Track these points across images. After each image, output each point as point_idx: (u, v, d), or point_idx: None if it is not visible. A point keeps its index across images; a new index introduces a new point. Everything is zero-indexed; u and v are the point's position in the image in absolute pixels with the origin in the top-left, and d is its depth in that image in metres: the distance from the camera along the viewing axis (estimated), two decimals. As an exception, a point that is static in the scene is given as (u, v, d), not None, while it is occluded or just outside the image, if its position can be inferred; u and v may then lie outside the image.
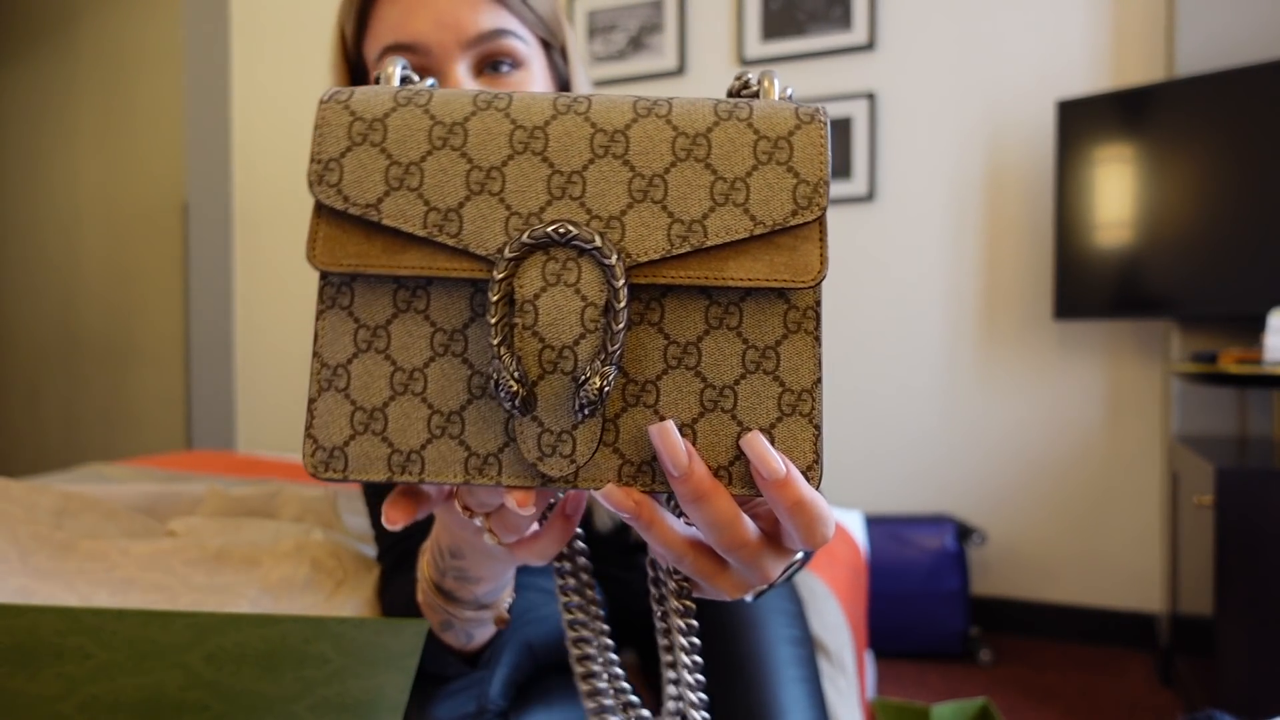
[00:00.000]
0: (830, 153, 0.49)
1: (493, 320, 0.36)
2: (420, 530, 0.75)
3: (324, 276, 0.39)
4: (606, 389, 0.36)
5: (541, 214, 0.37)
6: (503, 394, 0.36)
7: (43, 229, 4.31)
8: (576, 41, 0.80)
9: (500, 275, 0.36)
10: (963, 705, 1.67)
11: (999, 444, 2.39)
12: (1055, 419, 2.33)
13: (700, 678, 0.48)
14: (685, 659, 0.47)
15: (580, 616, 0.51)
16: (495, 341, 0.36)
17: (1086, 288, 2.12)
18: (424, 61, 0.68)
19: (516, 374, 0.36)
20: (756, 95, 0.43)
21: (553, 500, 0.45)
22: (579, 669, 0.52)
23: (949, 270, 2.43)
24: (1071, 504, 2.33)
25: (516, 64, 0.70)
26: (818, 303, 0.39)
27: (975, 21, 2.38)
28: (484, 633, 0.61)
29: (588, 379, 0.36)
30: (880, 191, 2.48)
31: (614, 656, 0.52)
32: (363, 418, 0.39)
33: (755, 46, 2.59)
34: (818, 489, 0.38)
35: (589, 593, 0.52)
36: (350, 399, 0.39)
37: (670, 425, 0.37)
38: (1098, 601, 2.31)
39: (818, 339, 0.39)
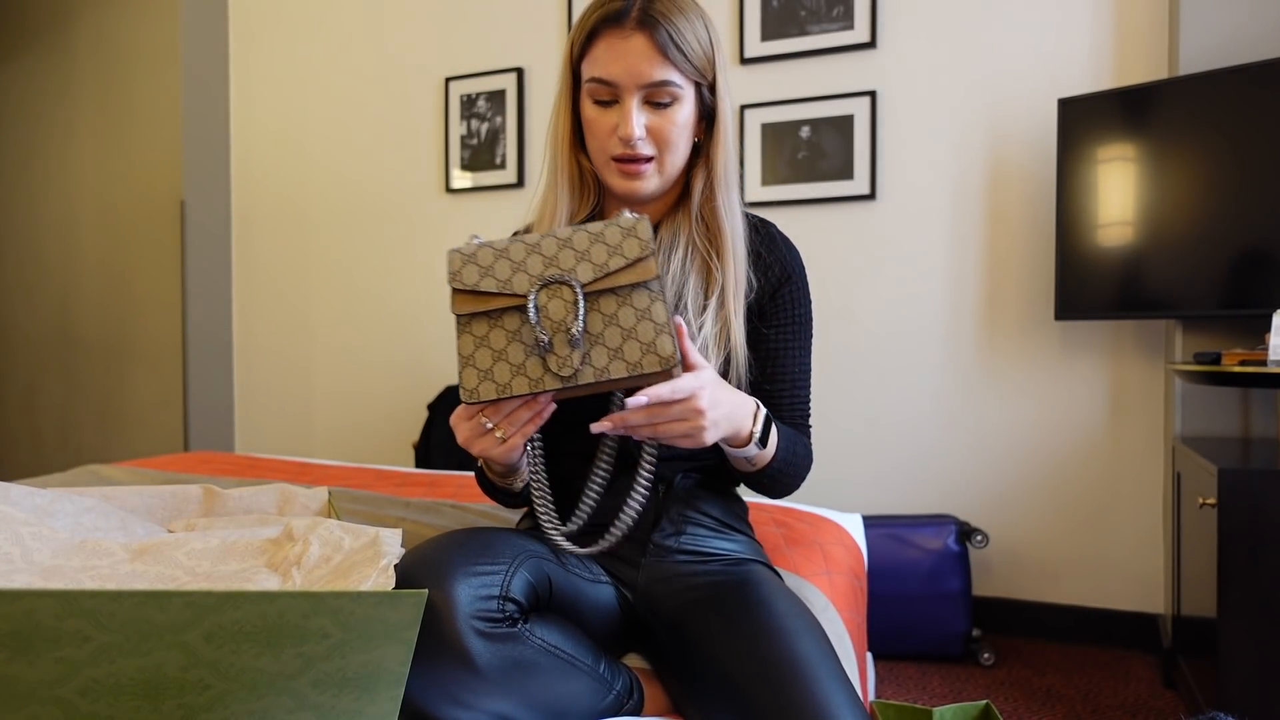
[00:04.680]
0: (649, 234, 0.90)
1: (533, 311, 0.86)
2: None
3: (459, 318, 0.88)
4: (579, 334, 0.85)
5: (542, 274, 0.88)
6: (541, 344, 0.85)
7: (39, 228, 4.30)
8: (727, 75, 1.09)
9: (533, 297, 0.87)
10: (964, 707, 1.65)
11: (1001, 444, 2.38)
12: (1057, 419, 2.33)
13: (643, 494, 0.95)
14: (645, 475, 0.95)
15: (539, 475, 1.00)
16: (536, 320, 0.85)
17: (1088, 287, 2.12)
18: (614, 92, 1.02)
19: (545, 334, 0.85)
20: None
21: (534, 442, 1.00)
22: (535, 493, 0.99)
23: (950, 270, 2.42)
24: (1074, 505, 2.32)
25: (673, 100, 1.02)
26: (656, 282, 0.88)
27: (976, 20, 2.38)
28: (516, 493, 1.05)
29: (572, 331, 0.85)
30: (881, 191, 2.48)
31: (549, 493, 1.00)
32: (482, 374, 0.86)
33: (756, 45, 2.59)
34: (679, 372, 0.86)
35: (541, 470, 1.00)
36: (476, 366, 0.86)
37: (641, 398, 0.85)
38: (1100, 603, 2.30)
39: (663, 299, 0.87)
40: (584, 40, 1.03)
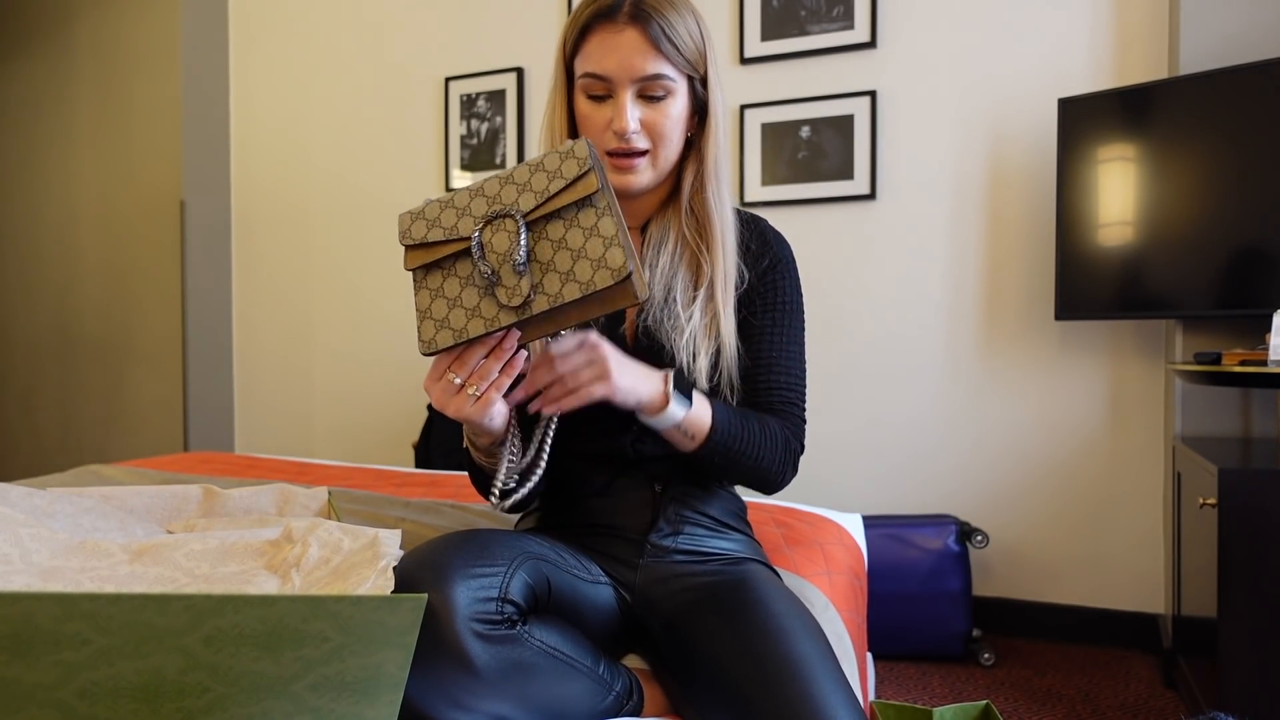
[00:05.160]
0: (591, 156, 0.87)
1: (477, 251, 0.85)
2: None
3: (414, 274, 0.88)
4: (523, 261, 0.83)
5: (486, 213, 0.86)
6: (488, 278, 0.84)
7: (39, 228, 4.30)
8: (718, 69, 1.09)
9: (476, 235, 0.85)
10: (964, 707, 1.65)
11: (1001, 444, 2.38)
12: (1057, 419, 2.33)
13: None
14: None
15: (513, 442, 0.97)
16: (479, 258, 0.84)
17: (1088, 287, 2.12)
18: (608, 86, 1.03)
19: (487, 267, 0.84)
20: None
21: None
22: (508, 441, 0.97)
23: (950, 270, 2.42)
24: (1074, 505, 2.32)
25: (666, 94, 1.03)
26: (600, 196, 0.85)
27: (977, 19, 2.38)
28: (490, 437, 0.97)
29: (515, 259, 0.83)
30: (881, 190, 2.48)
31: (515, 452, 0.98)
32: (439, 324, 0.85)
33: (756, 45, 2.59)
34: (640, 288, 0.86)
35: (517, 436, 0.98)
36: (432, 318, 0.86)
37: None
38: (1100, 603, 2.30)
39: (610, 213, 0.84)
40: (577, 36, 1.04)
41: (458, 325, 0.84)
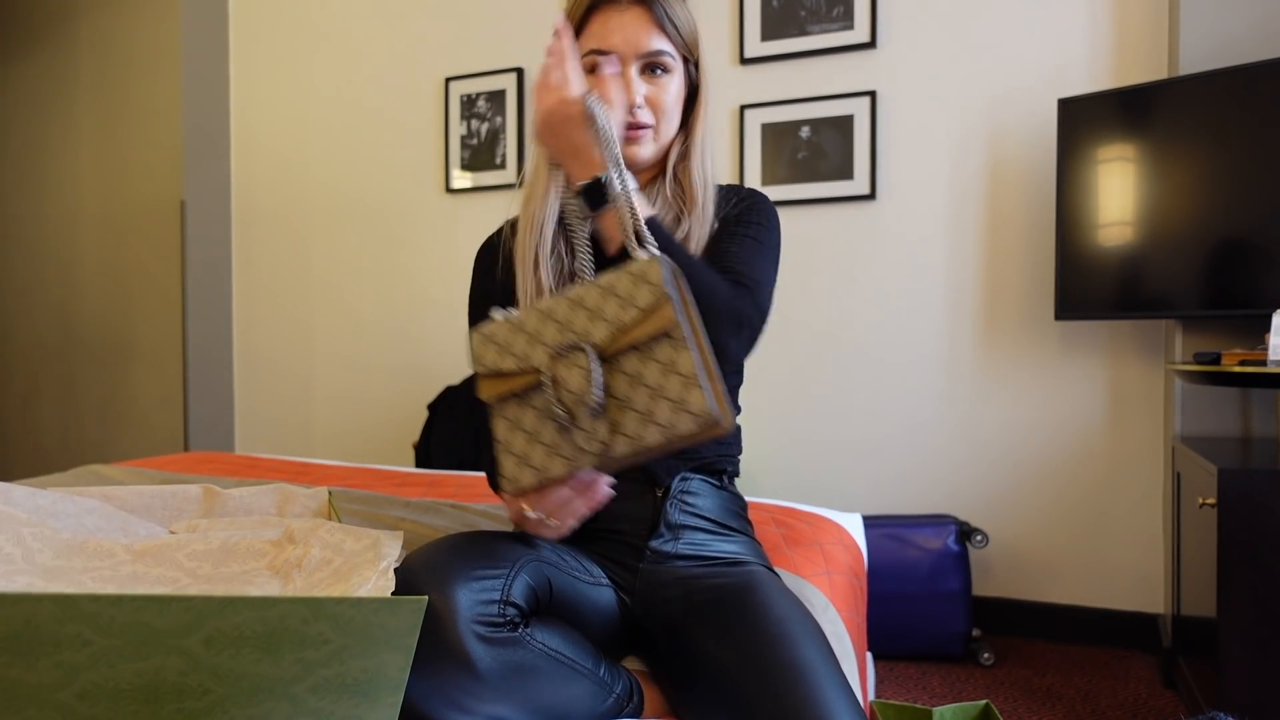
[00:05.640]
0: (667, 276, 0.81)
1: (549, 389, 0.80)
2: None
3: (491, 403, 0.85)
4: (599, 403, 0.78)
5: (558, 342, 0.81)
6: (561, 417, 0.80)
7: (40, 228, 4.30)
8: (706, 57, 1.15)
9: (546, 373, 0.81)
10: (964, 707, 1.66)
11: (1001, 444, 2.38)
12: (1057, 419, 2.33)
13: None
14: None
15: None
16: (552, 397, 0.80)
17: (1088, 287, 2.12)
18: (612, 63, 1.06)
19: (561, 409, 0.80)
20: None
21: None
22: None
23: (950, 270, 2.42)
24: (1073, 505, 2.32)
25: (666, 70, 1.08)
26: (677, 329, 0.77)
27: (976, 19, 2.38)
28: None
29: (589, 403, 0.79)
30: (881, 190, 2.48)
31: None
32: (520, 460, 0.82)
33: (756, 45, 2.59)
34: (725, 424, 0.77)
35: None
36: (513, 453, 0.83)
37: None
38: (1100, 603, 2.30)
39: (687, 347, 0.77)
40: (580, 18, 1.09)
41: (539, 464, 0.80)
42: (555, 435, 0.80)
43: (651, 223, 0.94)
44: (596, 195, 0.96)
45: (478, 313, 1.12)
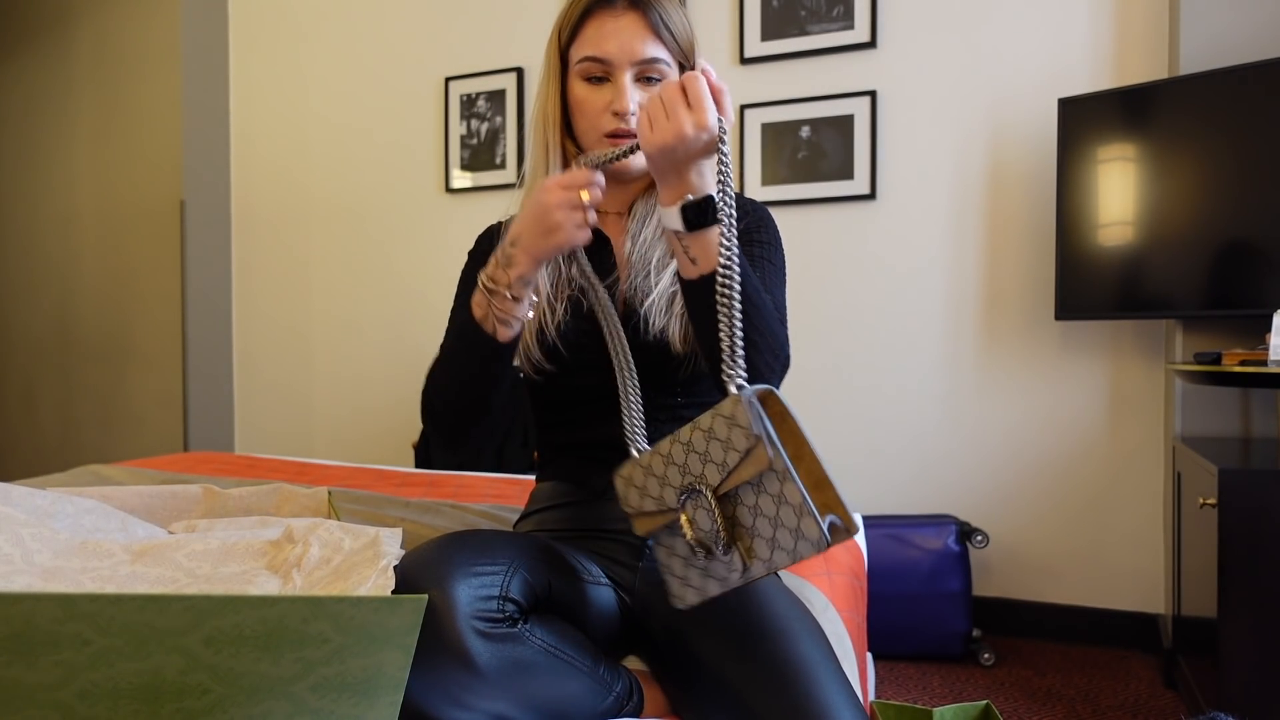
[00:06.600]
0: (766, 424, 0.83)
1: (680, 532, 0.86)
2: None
3: (649, 538, 0.91)
4: (725, 544, 0.82)
5: (681, 485, 0.85)
6: (697, 555, 0.84)
7: (40, 228, 4.30)
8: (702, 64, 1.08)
9: (678, 516, 0.85)
10: (964, 708, 1.66)
11: (1001, 444, 2.38)
12: (1057, 419, 2.33)
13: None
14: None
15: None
16: (681, 539, 0.86)
17: (1088, 287, 2.12)
18: (607, 69, 1.04)
19: (699, 551, 0.84)
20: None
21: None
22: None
23: (950, 269, 2.42)
24: (1074, 505, 2.32)
25: (661, 78, 1.05)
26: (778, 462, 0.79)
27: (977, 19, 2.38)
28: (509, 330, 0.96)
29: (720, 541, 0.82)
30: (881, 190, 2.48)
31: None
32: (681, 582, 0.89)
33: (756, 45, 2.59)
34: (850, 530, 0.82)
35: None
36: (675, 575, 0.88)
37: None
38: (1100, 603, 2.30)
39: (791, 478, 0.79)
40: (576, 22, 1.07)
41: (697, 585, 0.86)
42: (705, 560, 0.86)
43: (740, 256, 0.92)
44: (700, 214, 0.90)
45: (465, 295, 1.09)
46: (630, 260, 1.09)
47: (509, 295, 0.94)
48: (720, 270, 0.87)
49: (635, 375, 1.01)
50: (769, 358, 0.94)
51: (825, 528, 0.78)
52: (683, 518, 0.84)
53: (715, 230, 0.89)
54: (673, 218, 0.90)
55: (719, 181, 0.89)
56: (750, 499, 0.82)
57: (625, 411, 0.98)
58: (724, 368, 0.86)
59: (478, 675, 0.78)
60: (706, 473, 0.84)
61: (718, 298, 0.87)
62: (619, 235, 1.12)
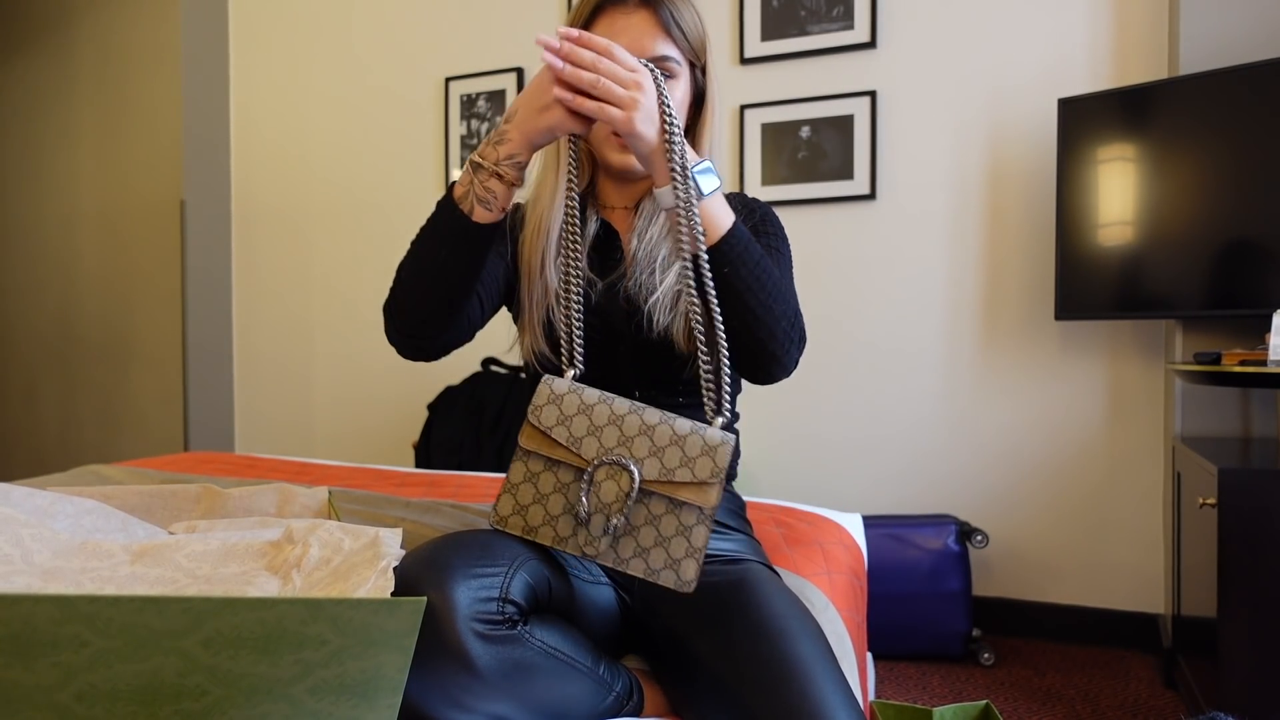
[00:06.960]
0: (731, 457, 0.90)
1: (584, 485, 0.86)
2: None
3: (519, 447, 0.89)
4: (618, 525, 0.85)
5: (613, 450, 0.86)
6: (581, 514, 0.86)
7: (39, 228, 4.30)
8: (714, 62, 1.12)
9: (592, 469, 0.86)
10: (964, 707, 1.66)
11: (1001, 444, 2.38)
12: (1057, 419, 2.33)
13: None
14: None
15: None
16: (584, 494, 0.86)
17: (1088, 287, 2.12)
18: None
19: (585, 511, 0.86)
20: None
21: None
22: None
23: (950, 269, 2.42)
24: (1074, 505, 2.32)
25: (671, 76, 1.05)
26: (713, 512, 0.85)
27: (977, 19, 2.38)
28: (488, 211, 0.94)
29: (611, 520, 0.86)
30: (881, 191, 2.48)
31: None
32: (517, 508, 0.88)
33: (756, 45, 2.59)
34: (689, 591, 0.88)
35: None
36: (515, 498, 0.88)
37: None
38: (1100, 603, 2.30)
39: (710, 529, 0.85)
40: (586, 20, 1.08)
41: (531, 522, 0.87)
42: (560, 510, 0.86)
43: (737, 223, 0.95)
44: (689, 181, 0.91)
45: None
46: (636, 257, 1.09)
47: (496, 171, 0.93)
48: (716, 250, 0.92)
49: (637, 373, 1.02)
50: (785, 325, 0.95)
51: (695, 579, 0.85)
52: (589, 476, 0.85)
53: (717, 199, 0.93)
54: (666, 196, 0.92)
55: (665, 133, 0.91)
56: (658, 508, 0.85)
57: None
58: (723, 402, 0.91)
59: (477, 677, 0.78)
60: (646, 465, 0.85)
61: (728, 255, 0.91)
62: (627, 231, 1.13)
